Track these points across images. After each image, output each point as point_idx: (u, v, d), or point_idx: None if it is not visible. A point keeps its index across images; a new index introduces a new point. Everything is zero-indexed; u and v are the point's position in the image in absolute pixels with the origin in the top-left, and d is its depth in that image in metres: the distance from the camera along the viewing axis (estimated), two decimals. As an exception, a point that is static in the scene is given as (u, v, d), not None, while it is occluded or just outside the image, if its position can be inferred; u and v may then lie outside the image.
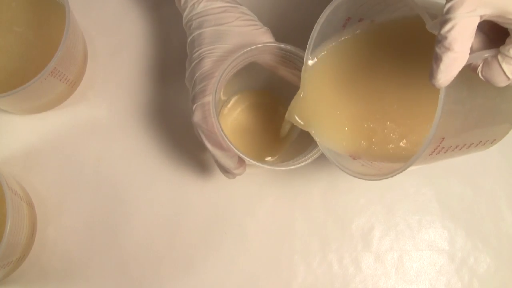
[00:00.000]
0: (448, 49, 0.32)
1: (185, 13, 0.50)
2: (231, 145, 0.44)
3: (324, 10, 0.43)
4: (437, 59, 0.33)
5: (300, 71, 0.48)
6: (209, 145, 0.47)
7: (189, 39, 0.49)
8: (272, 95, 0.55)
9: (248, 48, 0.46)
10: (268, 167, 0.46)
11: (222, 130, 0.45)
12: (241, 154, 0.45)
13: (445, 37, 0.32)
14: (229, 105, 0.55)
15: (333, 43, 0.47)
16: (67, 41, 0.48)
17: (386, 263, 0.54)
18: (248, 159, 0.45)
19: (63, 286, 0.53)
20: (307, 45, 0.45)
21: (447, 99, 0.35)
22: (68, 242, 0.54)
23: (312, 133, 0.45)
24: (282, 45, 0.48)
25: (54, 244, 0.54)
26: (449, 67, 0.33)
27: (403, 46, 0.47)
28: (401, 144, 0.46)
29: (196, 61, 0.48)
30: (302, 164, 0.46)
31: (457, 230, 0.54)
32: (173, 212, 0.54)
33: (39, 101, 0.54)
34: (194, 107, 0.47)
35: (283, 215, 0.54)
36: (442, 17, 0.33)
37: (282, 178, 0.55)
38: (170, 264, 0.53)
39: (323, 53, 0.47)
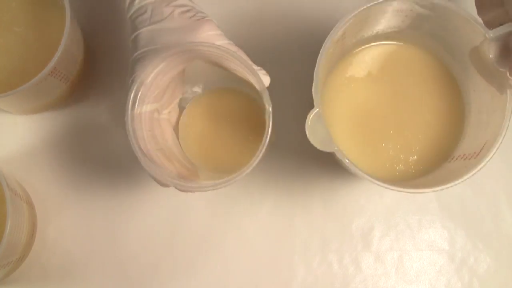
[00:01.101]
0: None
1: (128, 15, 0.46)
2: (147, 166, 0.41)
3: (331, 32, 0.42)
4: None
5: (234, 68, 0.44)
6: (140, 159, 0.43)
7: (130, 43, 0.45)
8: (235, 92, 0.50)
9: (164, 54, 0.42)
10: (187, 189, 0.42)
11: (139, 146, 0.42)
12: (154, 175, 0.41)
13: None
14: (187, 111, 0.51)
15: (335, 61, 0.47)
16: (67, 41, 0.48)
17: (386, 263, 0.54)
18: (160, 179, 0.42)
19: (63, 286, 0.53)
20: (316, 66, 0.42)
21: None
22: (68, 242, 0.54)
23: (335, 151, 0.41)
24: (203, 43, 0.42)
25: (54, 244, 0.54)
26: None
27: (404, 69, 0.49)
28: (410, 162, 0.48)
29: (130, 67, 0.44)
30: (227, 184, 0.42)
31: (457, 230, 0.54)
32: (173, 212, 0.54)
33: (39, 101, 0.54)
34: (125, 118, 0.43)
35: (283, 215, 0.54)
36: None
37: (282, 178, 0.55)
38: (170, 264, 0.53)
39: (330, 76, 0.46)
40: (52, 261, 0.53)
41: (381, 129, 0.48)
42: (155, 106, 0.45)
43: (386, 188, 0.42)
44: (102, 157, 0.55)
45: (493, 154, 0.41)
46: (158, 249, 0.54)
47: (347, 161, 0.41)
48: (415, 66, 0.48)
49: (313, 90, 0.41)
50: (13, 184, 0.50)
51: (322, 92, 0.47)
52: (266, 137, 0.41)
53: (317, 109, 0.40)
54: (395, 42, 0.48)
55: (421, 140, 0.47)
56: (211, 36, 0.43)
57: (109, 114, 0.56)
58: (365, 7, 0.41)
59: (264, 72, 0.44)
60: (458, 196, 0.55)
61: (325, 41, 0.42)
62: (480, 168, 0.41)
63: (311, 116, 0.40)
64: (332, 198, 0.55)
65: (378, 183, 0.41)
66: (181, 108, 0.51)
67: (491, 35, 0.38)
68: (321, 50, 0.42)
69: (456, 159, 0.45)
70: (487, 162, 0.41)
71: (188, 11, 0.44)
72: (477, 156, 0.41)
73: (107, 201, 0.55)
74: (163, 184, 0.43)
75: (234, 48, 0.44)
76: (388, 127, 0.47)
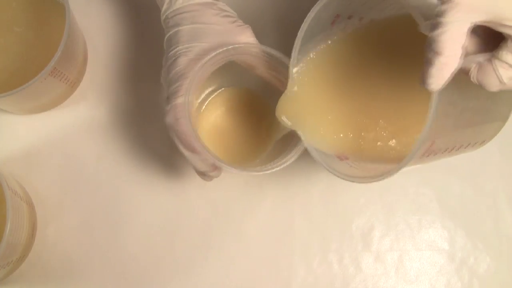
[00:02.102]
0: (438, 53, 0.32)
1: (163, 10, 0.48)
2: (203, 149, 0.44)
3: (314, 6, 0.42)
4: (427, 63, 0.32)
5: (279, 72, 0.47)
6: (182, 148, 0.46)
7: (166, 37, 0.48)
8: (252, 94, 0.54)
9: (224, 49, 0.45)
10: (242, 172, 0.45)
11: (195, 133, 0.44)
12: (214, 159, 0.44)
13: (435, 41, 0.32)
14: (207, 105, 0.54)
15: (324, 41, 0.46)
16: (67, 41, 0.48)
17: (386, 263, 0.54)
18: (221, 163, 0.44)
19: (63, 286, 0.53)
20: (295, 42, 0.43)
21: (439, 102, 0.35)
22: (68, 242, 0.54)
23: (299, 132, 0.44)
24: (260, 46, 0.47)
25: (54, 244, 0.54)
26: (440, 72, 0.32)
27: (395, 45, 0.46)
28: (391, 143, 0.45)
29: (171, 60, 0.47)
30: (278, 168, 0.45)
31: (457, 230, 0.54)
32: (173, 212, 0.54)
33: (39, 101, 0.54)
34: (167, 108, 0.45)
35: (283, 215, 0.54)
36: (433, 20, 0.32)
37: (282, 178, 0.55)
38: (170, 264, 0.53)
39: (313, 52, 0.46)
40: (52, 261, 0.53)
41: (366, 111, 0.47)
42: (193, 96, 0.48)
43: (330, 172, 0.42)
44: (102, 157, 0.55)
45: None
46: (158, 249, 0.54)
47: (305, 139, 0.42)
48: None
49: (289, 71, 0.43)
50: (13, 184, 0.50)
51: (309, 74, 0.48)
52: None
53: (289, 91, 0.42)
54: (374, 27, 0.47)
55: (404, 118, 0.45)
56: (251, 42, 0.47)
57: (109, 114, 0.56)
58: None
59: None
60: (458, 196, 0.55)
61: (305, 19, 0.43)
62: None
63: (286, 93, 0.42)
64: (332, 198, 0.55)
65: (327, 167, 0.42)
66: (199, 102, 0.54)
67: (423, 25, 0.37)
68: (298, 33, 0.43)
69: None
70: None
71: (230, 16, 0.48)
72: None
73: (107, 201, 0.55)
74: (205, 165, 0.46)
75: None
76: (372, 108, 0.46)
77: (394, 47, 0.47)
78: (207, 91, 0.54)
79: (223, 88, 0.54)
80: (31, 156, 0.55)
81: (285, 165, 0.45)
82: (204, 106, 0.54)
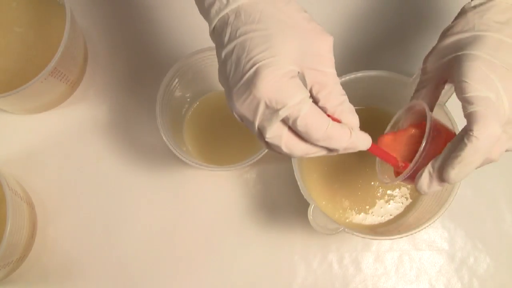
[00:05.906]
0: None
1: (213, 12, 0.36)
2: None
3: None
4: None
5: None
6: None
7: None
8: None
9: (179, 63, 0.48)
10: (205, 168, 0.47)
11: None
12: (180, 155, 0.47)
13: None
14: (194, 110, 0.55)
15: None
16: (67, 41, 0.48)
17: (386, 263, 0.54)
18: (187, 159, 0.47)
19: (63, 286, 0.53)
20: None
21: None
22: (68, 242, 0.54)
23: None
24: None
25: (54, 244, 0.54)
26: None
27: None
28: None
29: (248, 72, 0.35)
30: (241, 166, 0.47)
31: (457, 230, 0.54)
32: (173, 212, 0.54)
33: (40, 101, 0.54)
34: None
35: (283, 215, 0.54)
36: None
37: (282, 178, 0.55)
38: (170, 264, 0.53)
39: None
40: (52, 261, 0.53)
41: (352, 183, 0.53)
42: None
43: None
44: (102, 157, 0.55)
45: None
46: (158, 249, 0.54)
47: (355, 233, 0.45)
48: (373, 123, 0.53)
49: (301, 190, 0.46)
50: (13, 184, 0.50)
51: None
52: None
53: (313, 205, 0.45)
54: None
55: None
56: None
57: (109, 114, 0.56)
58: None
59: None
60: (458, 196, 0.54)
61: None
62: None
63: (310, 210, 0.44)
64: (332, 198, 0.55)
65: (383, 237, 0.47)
66: (189, 105, 0.55)
67: (410, 80, 0.47)
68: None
69: None
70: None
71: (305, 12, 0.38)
72: None
73: (107, 201, 0.55)
74: None
75: None
76: (358, 181, 0.53)
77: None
78: (193, 96, 0.54)
79: (209, 93, 0.55)
80: (31, 156, 0.55)
81: (246, 164, 0.47)
82: (191, 111, 0.55)
